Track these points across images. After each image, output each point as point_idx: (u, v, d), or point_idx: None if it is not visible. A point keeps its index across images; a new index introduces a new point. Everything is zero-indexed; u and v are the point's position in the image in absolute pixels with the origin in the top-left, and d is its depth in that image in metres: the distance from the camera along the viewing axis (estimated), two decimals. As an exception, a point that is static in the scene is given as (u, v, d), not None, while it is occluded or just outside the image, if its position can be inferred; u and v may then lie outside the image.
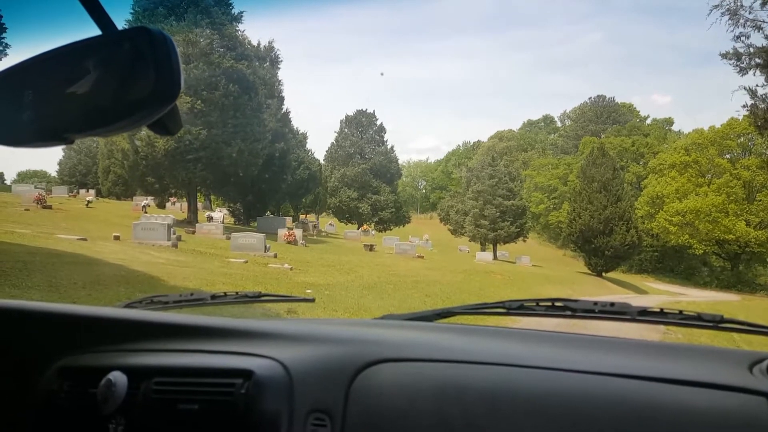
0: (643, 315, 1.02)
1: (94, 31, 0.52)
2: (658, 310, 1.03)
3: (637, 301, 18.85)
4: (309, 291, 7.34)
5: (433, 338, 0.96)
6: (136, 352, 0.92)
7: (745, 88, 13.06)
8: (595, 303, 1.09)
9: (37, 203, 18.79)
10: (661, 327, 7.27)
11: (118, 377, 0.85)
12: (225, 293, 1.33)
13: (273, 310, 5.60)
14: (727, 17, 13.05)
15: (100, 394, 0.84)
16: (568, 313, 1.08)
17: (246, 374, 0.82)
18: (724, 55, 13.26)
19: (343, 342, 0.89)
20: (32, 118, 0.53)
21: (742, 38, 12.85)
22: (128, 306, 1.25)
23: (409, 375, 0.81)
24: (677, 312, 1.02)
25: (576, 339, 0.98)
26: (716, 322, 0.97)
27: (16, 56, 0.59)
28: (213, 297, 1.29)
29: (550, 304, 1.11)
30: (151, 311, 1.16)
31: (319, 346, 0.88)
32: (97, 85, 0.48)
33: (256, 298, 1.32)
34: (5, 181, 45.93)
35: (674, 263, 46.93)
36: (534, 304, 1.13)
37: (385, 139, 45.43)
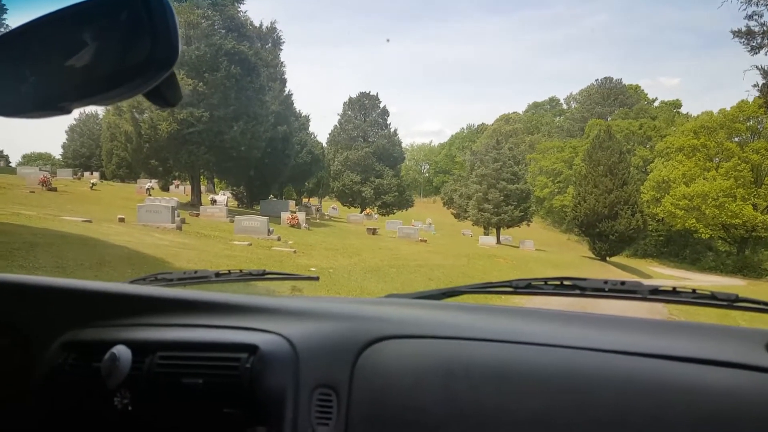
0: (655, 294, 1.00)
1: None
2: (670, 288, 1.01)
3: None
4: (313, 269, 7.39)
5: (439, 315, 0.95)
6: (140, 326, 0.91)
7: (757, 68, 12.75)
8: (605, 282, 1.07)
9: (42, 185, 18.84)
10: (669, 308, 7.27)
11: (122, 351, 0.85)
12: (229, 271, 1.32)
13: (277, 290, 5.63)
14: None
15: (104, 368, 0.84)
16: (577, 291, 1.06)
17: (251, 349, 0.81)
18: (736, 33, 12.90)
19: (349, 318, 0.88)
20: (28, 87, 0.51)
21: (755, 17, 12.47)
22: (133, 282, 1.24)
23: (415, 352, 0.80)
24: (690, 291, 1.00)
25: (584, 317, 0.97)
26: (731, 301, 0.95)
27: (9, 21, 0.56)
28: (217, 275, 1.29)
29: (558, 282, 1.09)
30: (156, 287, 1.15)
31: (325, 322, 0.87)
32: (93, 52, 0.47)
33: (261, 275, 1.32)
34: (10, 164, 46.08)
35: (679, 248, 46.81)
36: (542, 282, 1.11)
37: (388, 123, 45.08)
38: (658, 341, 0.81)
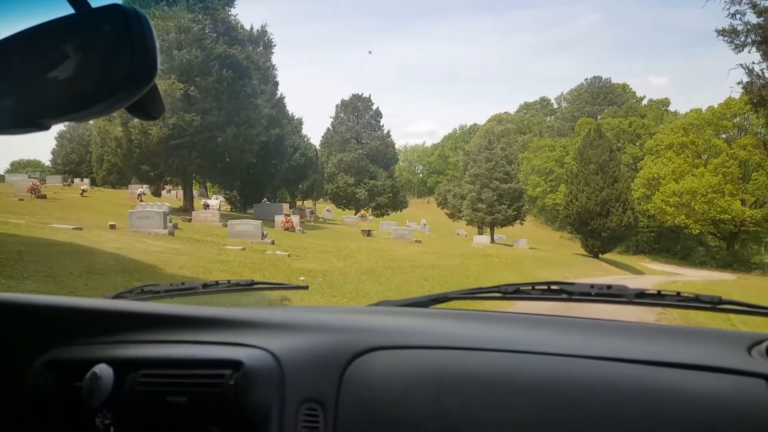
0: (641, 297, 1.01)
1: (65, 8, 0.49)
2: (655, 292, 1.02)
3: (633, 282, 18.99)
4: (302, 278, 7.33)
5: (428, 324, 0.94)
6: (123, 343, 0.90)
7: (742, 66, 12.92)
8: (592, 286, 1.07)
9: (32, 193, 18.66)
10: (657, 309, 7.33)
11: (103, 370, 0.83)
12: (217, 282, 1.31)
13: (266, 299, 5.59)
14: None
15: (85, 388, 0.83)
16: (565, 296, 1.06)
17: (235, 365, 0.80)
18: (721, 32, 13.06)
19: (335, 330, 0.88)
20: (6, 104, 0.50)
21: (738, 15, 12.65)
22: (119, 296, 1.23)
23: (404, 362, 0.79)
24: (675, 294, 1.01)
25: (572, 323, 0.97)
26: (714, 304, 0.96)
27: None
28: (205, 286, 1.28)
29: (546, 287, 1.09)
30: (139, 302, 1.14)
31: (311, 334, 0.87)
32: (71, 69, 0.47)
33: (249, 286, 1.30)
34: (-2, 171, 45.51)
35: (670, 243, 47.28)
36: (530, 287, 1.11)
37: (381, 124, 45.15)
38: (645, 347, 0.82)
